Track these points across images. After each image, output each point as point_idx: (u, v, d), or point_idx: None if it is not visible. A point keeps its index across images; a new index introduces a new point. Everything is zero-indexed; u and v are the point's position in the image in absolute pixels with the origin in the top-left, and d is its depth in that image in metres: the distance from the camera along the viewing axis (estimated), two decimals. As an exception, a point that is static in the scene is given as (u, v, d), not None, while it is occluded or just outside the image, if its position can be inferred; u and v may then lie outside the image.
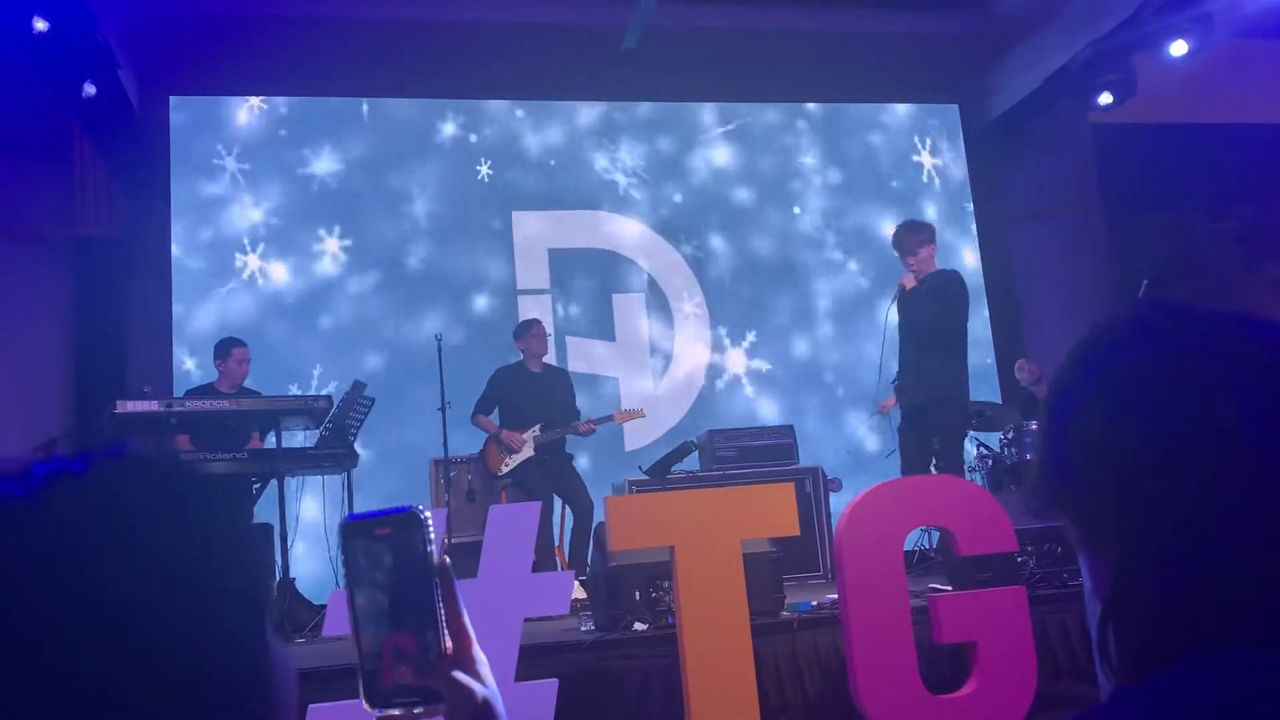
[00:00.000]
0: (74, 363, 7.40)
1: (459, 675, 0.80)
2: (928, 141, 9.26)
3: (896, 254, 5.85)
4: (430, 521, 0.81)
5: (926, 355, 5.51)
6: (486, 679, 0.82)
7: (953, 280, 5.63)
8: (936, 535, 6.03)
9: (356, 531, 0.82)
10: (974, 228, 9.19)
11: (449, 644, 0.80)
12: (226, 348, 6.18)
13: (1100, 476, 0.72)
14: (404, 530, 0.81)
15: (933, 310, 5.49)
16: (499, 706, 0.82)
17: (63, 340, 7.38)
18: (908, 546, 3.78)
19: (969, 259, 9.08)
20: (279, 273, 7.89)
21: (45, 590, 0.54)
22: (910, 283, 5.63)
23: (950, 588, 4.34)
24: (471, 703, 0.80)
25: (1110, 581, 0.70)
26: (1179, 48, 7.62)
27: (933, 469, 5.38)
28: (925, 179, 9.18)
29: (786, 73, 8.58)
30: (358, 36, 7.82)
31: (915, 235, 5.70)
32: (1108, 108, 8.24)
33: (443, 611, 0.80)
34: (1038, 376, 7.15)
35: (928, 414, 5.50)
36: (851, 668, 3.15)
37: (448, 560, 0.82)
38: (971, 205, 9.22)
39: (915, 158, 9.20)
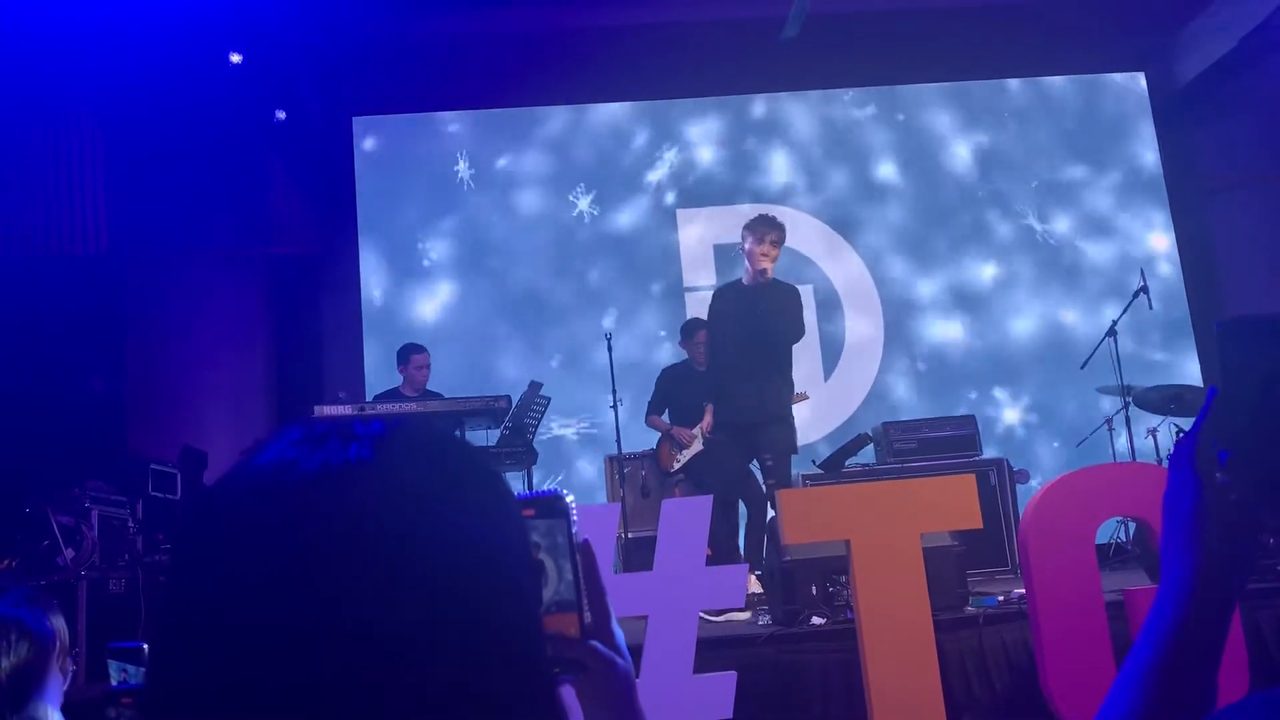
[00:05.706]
0: (274, 371, 7.93)
1: (599, 646, 0.85)
2: (1112, 115, 8.78)
3: (752, 238, 5.07)
4: (573, 504, 0.85)
5: (768, 371, 5.00)
6: (623, 652, 0.87)
7: (798, 295, 5.16)
8: (1134, 527, 5.72)
9: None
10: (1167, 203, 8.65)
11: (589, 618, 0.84)
12: (406, 354, 6.48)
13: None
14: (548, 512, 0.84)
15: (791, 322, 4.99)
16: (634, 679, 0.87)
17: (263, 351, 7.92)
18: (1102, 539, 3.58)
19: (1161, 237, 8.56)
20: (457, 274, 8.22)
21: (389, 549, 0.58)
22: (768, 272, 5.00)
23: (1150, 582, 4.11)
24: (611, 672, 0.85)
25: None
26: (1398, -7, 6.97)
27: (765, 487, 4.86)
28: (1116, 152, 8.70)
29: (956, 52, 8.27)
30: (527, 48, 8.01)
31: (779, 232, 5.07)
32: (1315, 64, 7.61)
33: (584, 588, 0.84)
34: None
35: (758, 433, 5.00)
36: (1042, 664, 3.04)
37: (589, 541, 0.86)
38: (1164, 179, 8.68)
39: (1101, 132, 8.74)
